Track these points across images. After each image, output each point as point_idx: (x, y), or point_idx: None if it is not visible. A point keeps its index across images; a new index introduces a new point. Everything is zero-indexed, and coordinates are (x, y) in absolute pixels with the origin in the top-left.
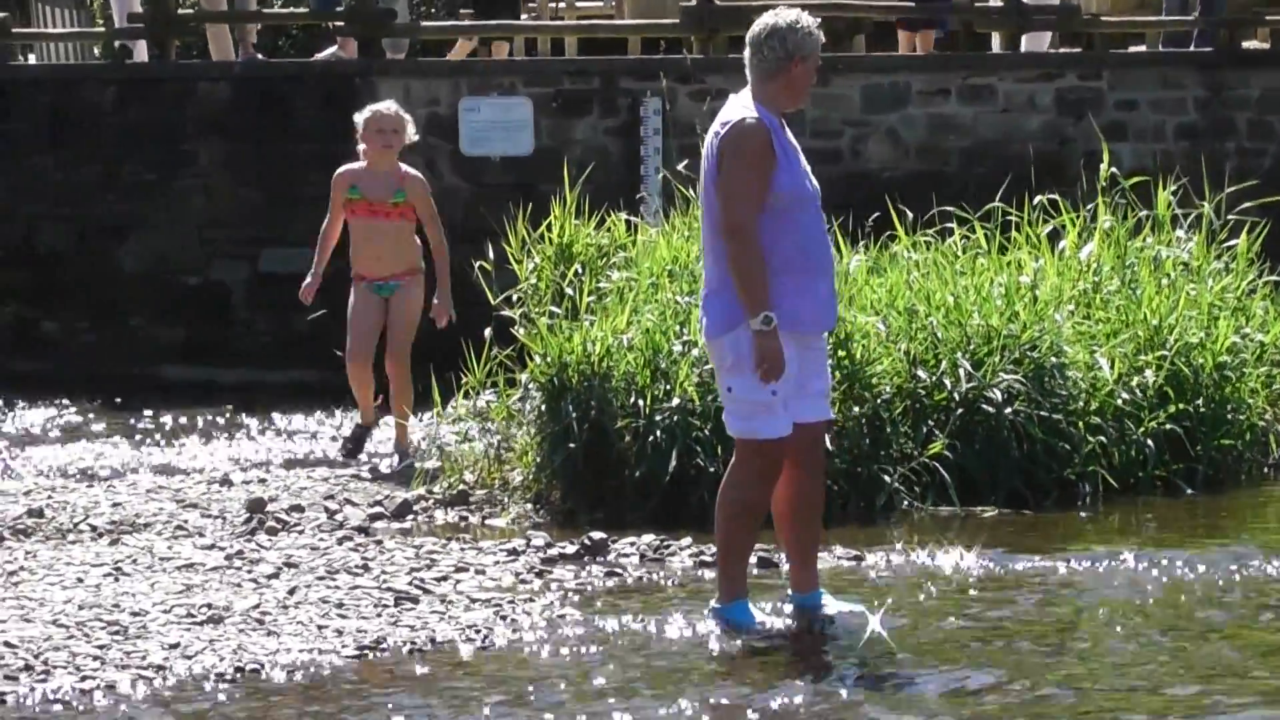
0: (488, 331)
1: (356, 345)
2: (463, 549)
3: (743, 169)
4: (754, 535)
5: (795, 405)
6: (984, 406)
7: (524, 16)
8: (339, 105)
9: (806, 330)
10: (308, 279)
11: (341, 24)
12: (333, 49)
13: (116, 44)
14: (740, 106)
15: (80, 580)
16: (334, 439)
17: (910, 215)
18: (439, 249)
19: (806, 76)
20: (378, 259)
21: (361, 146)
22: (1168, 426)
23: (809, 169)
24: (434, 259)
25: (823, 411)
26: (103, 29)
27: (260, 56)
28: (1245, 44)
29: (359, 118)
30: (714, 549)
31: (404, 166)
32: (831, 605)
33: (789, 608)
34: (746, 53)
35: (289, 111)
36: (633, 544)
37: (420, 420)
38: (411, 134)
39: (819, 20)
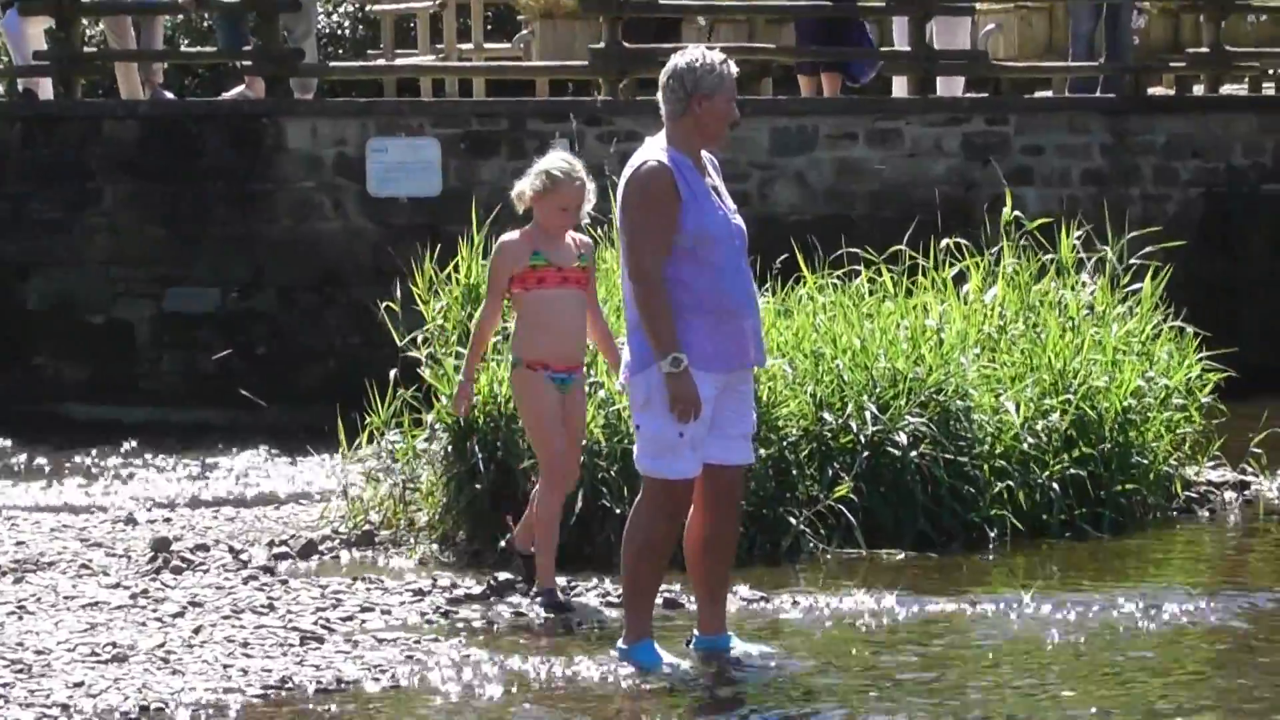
0: (393, 372)
1: (567, 455)
2: (369, 589)
3: (643, 213)
4: (660, 575)
5: (711, 446)
6: (890, 449)
7: (431, 58)
8: (246, 144)
9: (717, 369)
10: (459, 385)
11: (249, 63)
12: (240, 88)
13: (21, 87)
14: (647, 150)
15: None
16: (240, 478)
17: (819, 256)
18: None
19: (716, 114)
20: (572, 339)
21: (525, 205)
22: (1073, 470)
23: (733, 207)
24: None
25: (743, 455)
26: (7, 66)
27: (169, 95)
28: (1151, 90)
29: (533, 180)
30: (620, 589)
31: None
32: (739, 647)
33: (696, 649)
34: (659, 95)
35: (196, 150)
36: None
37: (326, 461)
38: (592, 201)
39: (724, 57)
